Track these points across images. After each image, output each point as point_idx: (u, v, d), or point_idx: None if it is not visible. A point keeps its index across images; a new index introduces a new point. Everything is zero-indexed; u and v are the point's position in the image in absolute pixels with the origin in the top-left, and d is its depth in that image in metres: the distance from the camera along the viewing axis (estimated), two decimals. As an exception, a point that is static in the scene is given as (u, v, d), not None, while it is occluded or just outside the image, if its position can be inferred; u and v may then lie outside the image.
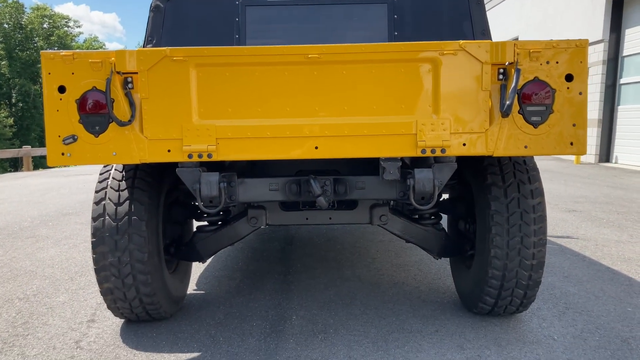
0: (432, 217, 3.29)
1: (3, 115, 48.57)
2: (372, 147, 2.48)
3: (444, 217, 3.55)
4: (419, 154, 2.46)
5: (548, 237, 5.36)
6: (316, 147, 2.48)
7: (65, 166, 2.75)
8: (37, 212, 7.59)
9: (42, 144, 51.72)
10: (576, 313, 3.26)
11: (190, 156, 2.46)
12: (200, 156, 2.46)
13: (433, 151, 2.46)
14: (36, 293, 3.81)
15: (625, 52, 14.00)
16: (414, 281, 3.94)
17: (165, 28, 3.85)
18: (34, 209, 7.95)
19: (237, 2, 3.84)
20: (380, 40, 3.89)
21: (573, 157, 15.06)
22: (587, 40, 2.49)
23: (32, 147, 51.08)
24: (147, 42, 3.85)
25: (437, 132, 2.45)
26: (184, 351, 2.80)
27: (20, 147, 46.88)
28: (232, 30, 3.85)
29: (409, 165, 2.70)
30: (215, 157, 2.47)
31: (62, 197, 9.30)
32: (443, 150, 2.46)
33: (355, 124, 2.47)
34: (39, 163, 28.48)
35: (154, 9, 3.84)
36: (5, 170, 22.42)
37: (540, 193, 2.90)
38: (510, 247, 2.84)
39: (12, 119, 49.48)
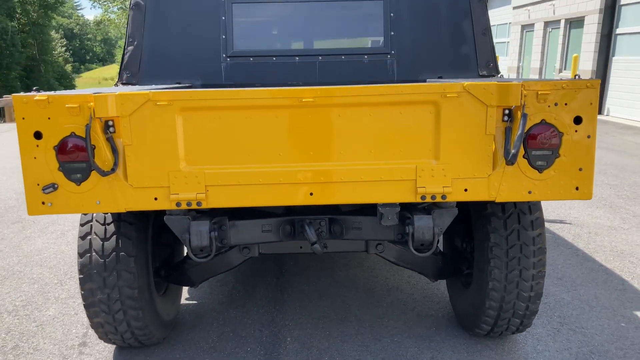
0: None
1: (-20, 54, 47.06)
2: (370, 193, 2.37)
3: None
4: (418, 200, 2.35)
5: (541, 222, 5.33)
6: (311, 194, 2.36)
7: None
8: (22, 186, 7.43)
9: (23, 84, 50.51)
10: (571, 331, 3.26)
11: (178, 204, 2.34)
12: (189, 204, 2.34)
13: (433, 197, 2.35)
14: (25, 304, 3.75)
15: (624, 0, 13.62)
16: (407, 285, 3.91)
17: (146, 27, 3.61)
18: (19, 180, 7.79)
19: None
20: (376, 41, 3.70)
21: (565, 108, 14.90)
22: (598, 80, 2.35)
23: (14, 87, 50.05)
24: (128, 43, 3.62)
25: (437, 177, 2.34)
26: (178, 388, 2.78)
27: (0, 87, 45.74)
28: (218, 30, 3.62)
29: (408, 207, 2.59)
30: (205, 205, 2.35)
31: (47, 163, 9.10)
32: (444, 197, 2.35)
33: (352, 170, 2.34)
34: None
35: (134, 7, 3.60)
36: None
37: (541, 224, 2.82)
38: (508, 280, 2.79)
39: (-11, 54, 47.89)
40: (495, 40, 22.54)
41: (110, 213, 2.79)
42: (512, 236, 2.78)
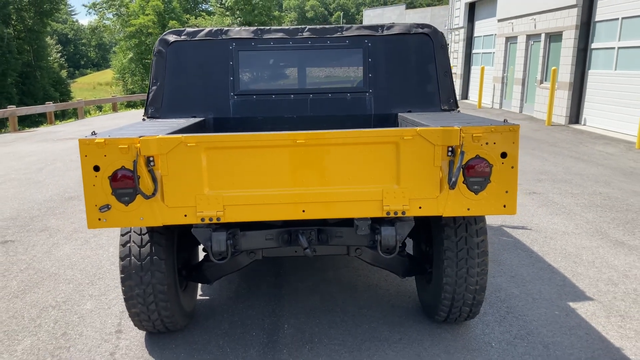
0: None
1: (-23, 61, 47.56)
2: (348, 209, 3.12)
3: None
4: (384, 215, 3.11)
5: (505, 229, 6.13)
6: (303, 211, 3.12)
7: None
8: (41, 196, 8.16)
9: (19, 90, 50.93)
10: (514, 318, 4.04)
11: (202, 219, 3.09)
12: (210, 219, 3.09)
13: (396, 213, 3.11)
14: (65, 300, 4.49)
15: (598, 17, 14.49)
16: (385, 283, 4.68)
17: (168, 71, 4.37)
18: (37, 191, 8.51)
19: (230, 47, 4.36)
20: (357, 81, 4.47)
21: (545, 118, 15.76)
22: (518, 125, 3.11)
23: (10, 94, 50.52)
24: (152, 83, 4.37)
25: (398, 198, 3.10)
26: (199, 363, 3.53)
27: (-3, 95, 46.17)
28: (227, 73, 4.38)
29: (377, 220, 3.34)
30: (223, 220, 3.10)
31: (59, 174, 9.85)
32: (404, 213, 3.11)
33: (334, 192, 3.09)
34: (23, 121, 28.34)
35: (157, 54, 4.35)
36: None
37: (484, 232, 3.59)
38: (458, 276, 3.56)
39: (-12, 63, 48.44)
40: (481, 50, 23.41)
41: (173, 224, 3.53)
42: (460, 242, 3.55)
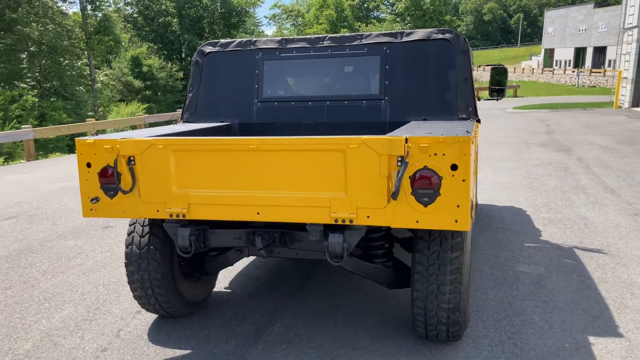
0: (383, 257, 3.86)
1: (175, 69, 53.96)
2: (298, 214, 3.21)
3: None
4: (332, 222, 3.14)
5: (576, 250, 5.56)
6: (258, 213, 3.27)
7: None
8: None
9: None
10: (513, 344, 3.72)
11: (171, 215, 3.39)
12: (177, 216, 3.38)
13: (343, 221, 3.12)
14: (116, 281, 5.12)
15: None
16: (403, 294, 4.57)
17: (202, 79, 4.77)
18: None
19: (257, 57, 4.62)
20: (373, 88, 4.46)
21: None
22: (469, 136, 2.93)
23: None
24: (189, 91, 4.81)
25: (346, 206, 3.10)
26: (182, 347, 3.84)
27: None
28: (253, 81, 4.66)
29: (331, 227, 3.34)
30: (188, 217, 3.37)
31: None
32: (351, 221, 3.11)
33: (286, 197, 3.20)
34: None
35: (195, 64, 4.77)
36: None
37: (460, 247, 3.39)
38: (428, 292, 3.41)
39: (182, 72, 54.77)
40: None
41: (147, 218, 3.95)
42: (432, 256, 3.40)
